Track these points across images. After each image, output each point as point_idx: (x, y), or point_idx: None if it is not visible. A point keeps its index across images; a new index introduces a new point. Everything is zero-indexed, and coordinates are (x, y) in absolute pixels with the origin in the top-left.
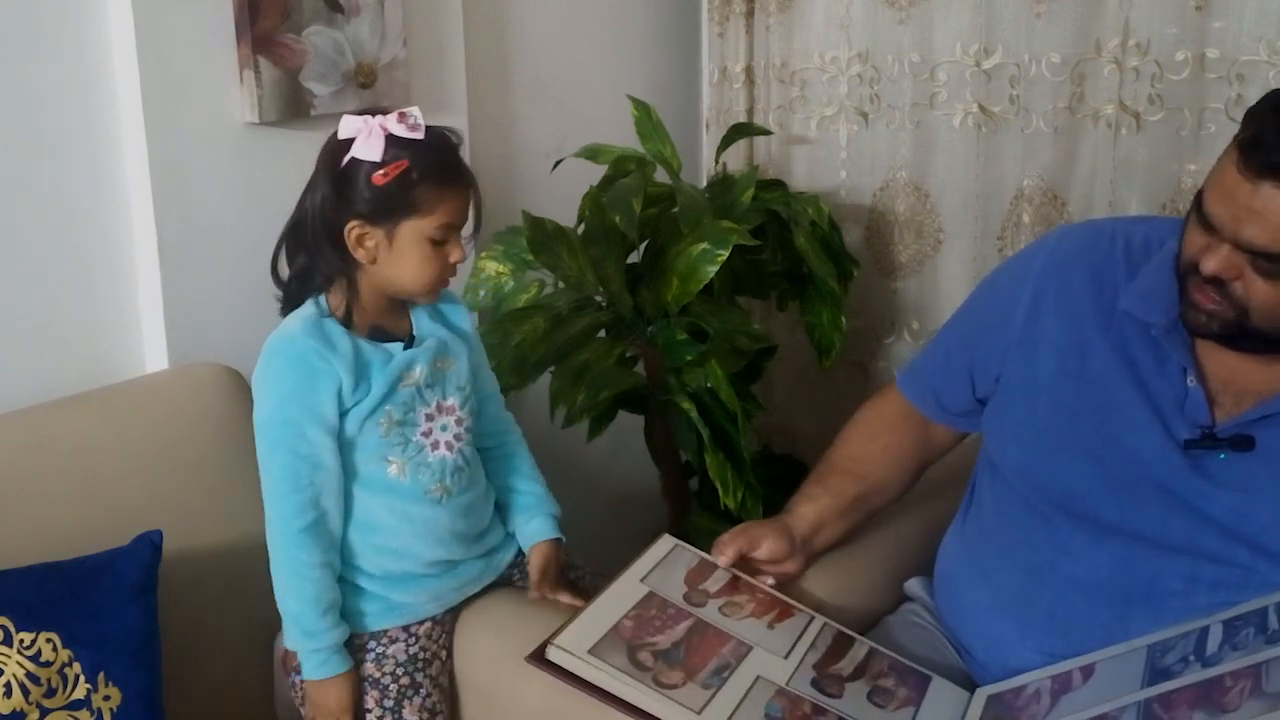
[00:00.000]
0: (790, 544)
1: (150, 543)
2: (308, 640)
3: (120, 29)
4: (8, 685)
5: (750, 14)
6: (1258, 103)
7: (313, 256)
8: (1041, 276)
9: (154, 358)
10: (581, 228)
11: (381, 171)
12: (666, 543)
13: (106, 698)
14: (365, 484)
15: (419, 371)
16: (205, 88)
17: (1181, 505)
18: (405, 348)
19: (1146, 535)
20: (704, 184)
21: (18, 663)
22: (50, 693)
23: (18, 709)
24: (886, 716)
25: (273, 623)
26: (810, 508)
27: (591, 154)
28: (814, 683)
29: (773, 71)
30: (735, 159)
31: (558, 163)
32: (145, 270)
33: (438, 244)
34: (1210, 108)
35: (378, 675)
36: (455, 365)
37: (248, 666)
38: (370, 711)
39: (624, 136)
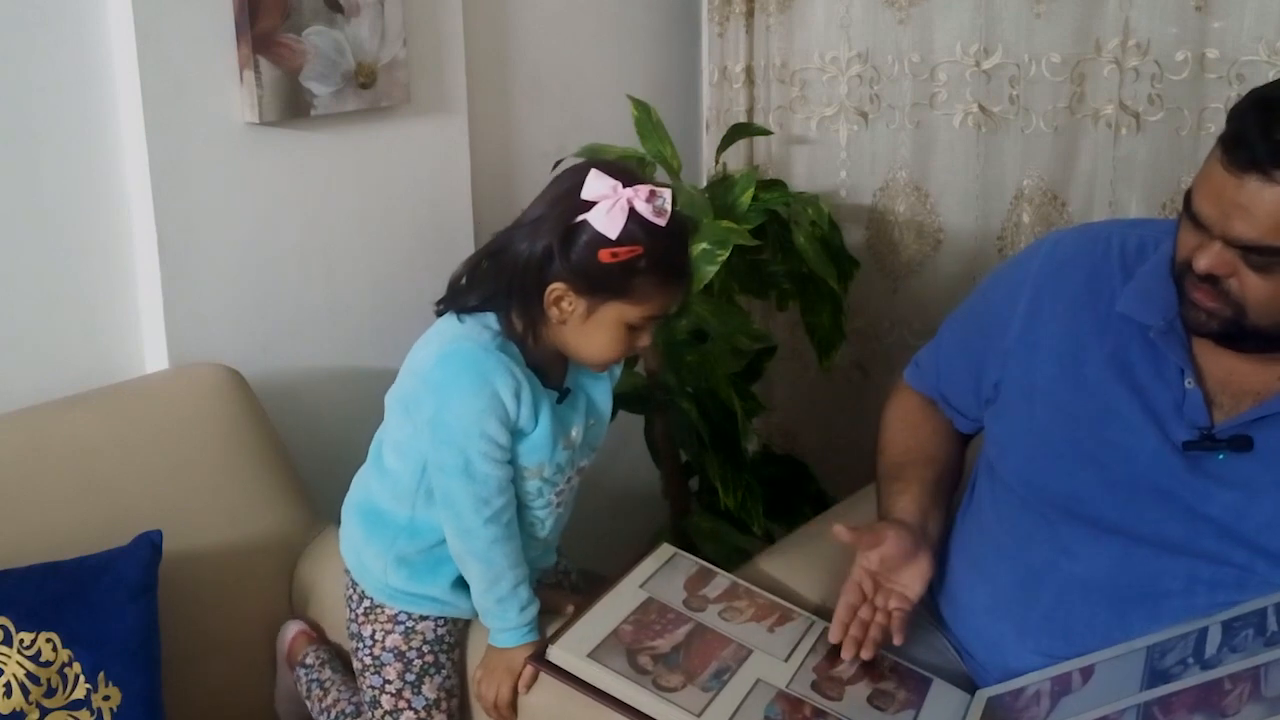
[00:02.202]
0: (913, 537)
1: (150, 543)
2: (520, 615)
3: (120, 29)
4: (8, 685)
5: (750, 14)
6: (1240, 100)
7: (508, 295)
8: (1038, 281)
9: (154, 358)
10: None
11: (613, 250)
12: (666, 551)
13: (106, 698)
14: None
15: (575, 434)
16: (205, 88)
17: (1180, 506)
18: (559, 399)
19: (1145, 536)
20: (704, 184)
21: (18, 663)
22: (50, 692)
23: (18, 709)
24: (887, 719)
25: (272, 622)
26: (906, 501)
27: (591, 154)
28: (814, 685)
29: (773, 71)
30: (735, 159)
31: (558, 163)
32: (145, 270)
33: (634, 330)
34: (1210, 108)
35: (404, 648)
36: (597, 424)
37: (248, 666)
38: (390, 683)
39: (624, 136)
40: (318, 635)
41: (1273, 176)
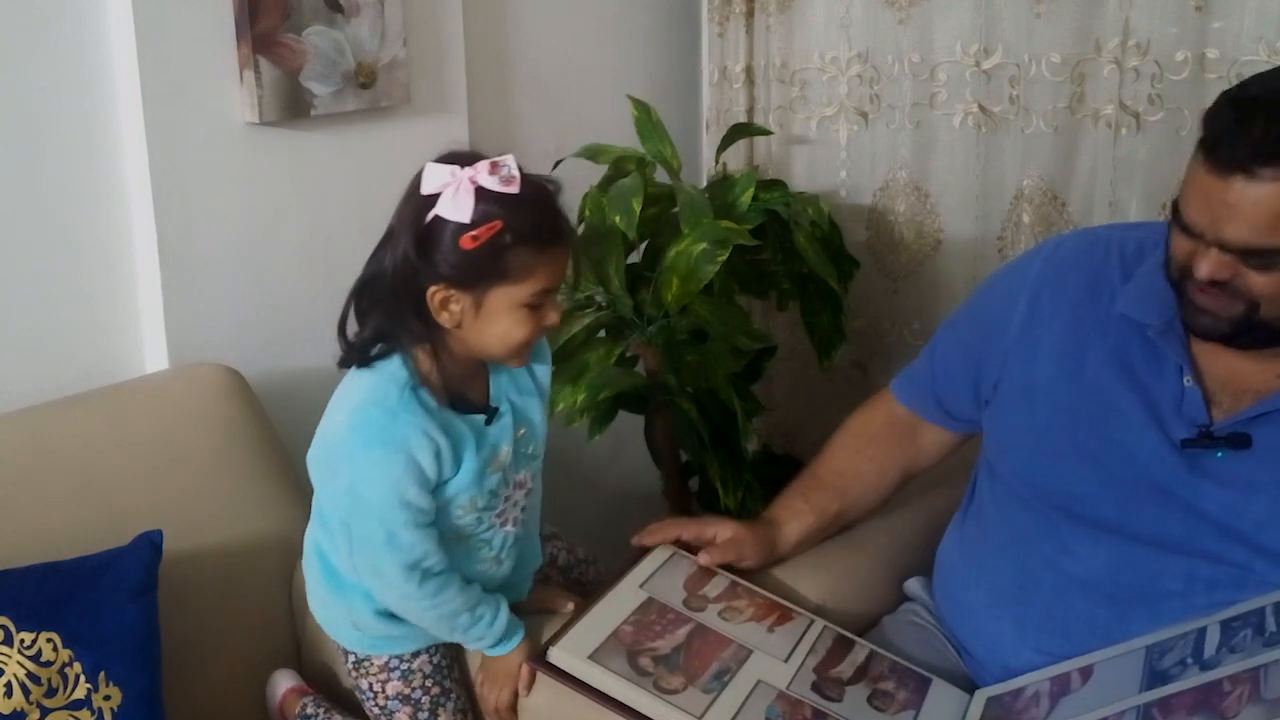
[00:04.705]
0: (769, 557)
1: (150, 543)
2: (493, 629)
3: (120, 29)
4: (8, 685)
5: (750, 14)
6: (1212, 105)
7: (393, 320)
8: (1038, 282)
9: (154, 358)
10: (581, 228)
11: (471, 235)
12: (665, 551)
13: (107, 697)
14: None
15: (504, 453)
16: (205, 88)
17: (1179, 505)
18: (486, 421)
19: (1144, 535)
20: (704, 184)
21: (18, 662)
22: (51, 692)
23: (18, 709)
24: (887, 719)
25: (273, 622)
26: (796, 527)
27: (591, 154)
28: (814, 686)
29: (773, 71)
30: (735, 159)
31: (558, 163)
32: (145, 270)
33: (533, 308)
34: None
35: (407, 691)
36: (529, 431)
37: (248, 666)
38: None
39: (624, 136)
40: (307, 687)
41: (1257, 174)
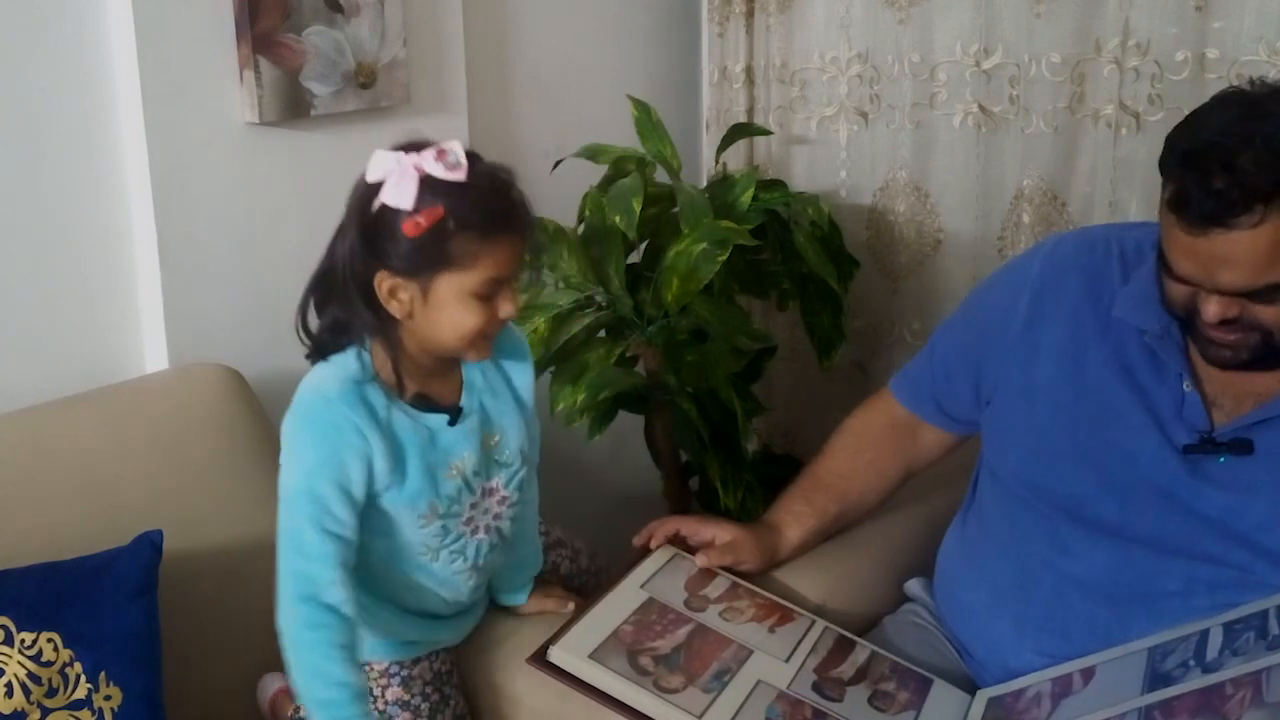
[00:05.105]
0: (769, 563)
1: (150, 543)
2: None
3: (120, 29)
4: (9, 685)
5: (750, 14)
6: (1164, 155)
7: (346, 310)
8: (1038, 283)
9: (154, 358)
10: (581, 228)
11: (414, 221)
12: (666, 552)
13: (107, 697)
14: (391, 552)
15: (466, 460)
16: (205, 88)
17: (1180, 508)
18: (450, 421)
19: (1144, 537)
20: (704, 184)
21: (19, 663)
22: (51, 692)
23: (19, 709)
24: (888, 719)
25: (272, 621)
26: (797, 531)
27: (591, 154)
28: (815, 686)
29: (773, 71)
30: (735, 159)
31: (558, 163)
32: (145, 270)
33: (484, 298)
34: None
35: (407, 697)
36: (503, 438)
37: (248, 666)
38: None
39: (624, 136)
40: None
41: (1233, 224)
